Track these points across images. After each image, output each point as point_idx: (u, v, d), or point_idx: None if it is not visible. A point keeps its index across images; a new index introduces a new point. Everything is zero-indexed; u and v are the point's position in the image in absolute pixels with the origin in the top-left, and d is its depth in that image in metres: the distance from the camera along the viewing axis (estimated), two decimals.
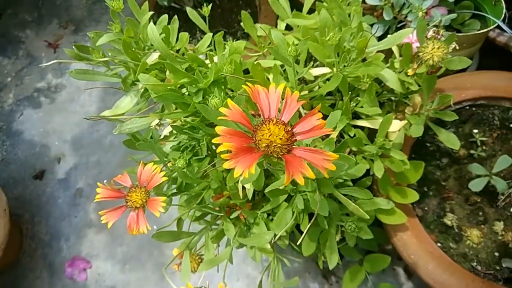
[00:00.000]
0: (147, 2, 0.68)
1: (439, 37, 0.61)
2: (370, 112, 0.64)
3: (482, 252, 0.85)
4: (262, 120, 0.35)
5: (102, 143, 1.44)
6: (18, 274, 1.28)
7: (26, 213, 1.37)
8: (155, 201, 0.53)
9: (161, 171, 0.57)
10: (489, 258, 0.84)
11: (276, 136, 0.34)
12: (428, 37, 0.58)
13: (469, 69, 1.13)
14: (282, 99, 0.36)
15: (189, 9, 0.77)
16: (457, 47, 0.67)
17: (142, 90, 0.76)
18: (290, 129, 0.35)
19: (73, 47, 0.75)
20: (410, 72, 0.59)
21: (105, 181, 0.55)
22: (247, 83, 0.36)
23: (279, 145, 0.34)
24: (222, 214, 0.69)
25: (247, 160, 0.32)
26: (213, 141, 0.33)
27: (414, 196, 0.74)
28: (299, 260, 0.72)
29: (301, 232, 0.76)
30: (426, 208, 0.90)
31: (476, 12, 1.00)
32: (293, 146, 0.35)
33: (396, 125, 0.65)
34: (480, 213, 0.88)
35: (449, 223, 0.87)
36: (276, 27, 0.92)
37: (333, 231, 0.66)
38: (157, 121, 0.63)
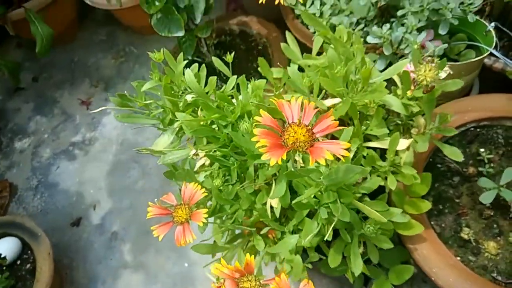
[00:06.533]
0: (181, 54, 0.80)
1: (433, 64, 0.70)
2: (379, 133, 0.73)
3: (501, 263, 0.89)
4: (288, 124, 0.45)
5: (134, 188, 1.54)
6: None
7: (65, 259, 1.45)
8: (198, 214, 0.61)
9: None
10: (508, 268, 0.88)
11: (300, 134, 0.43)
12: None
13: (472, 95, 1.22)
14: (301, 111, 0.46)
15: (214, 58, 0.89)
16: (451, 72, 0.76)
17: (177, 129, 0.86)
18: (310, 128, 0.44)
19: (116, 95, 0.87)
20: (409, 93, 0.68)
21: (155, 199, 0.64)
22: (274, 98, 0.45)
23: (302, 141, 0.43)
24: (254, 229, 0.77)
25: (279, 153, 0.41)
26: (253, 139, 0.42)
27: (426, 205, 0.81)
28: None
29: (326, 252, 0.82)
30: (443, 225, 0.95)
31: (470, 42, 1.10)
32: (314, 142, 0.44)
33: (404, 143, 0.73)
34: (495, 226, 0.93)
35: (466, 237, 0.92)
36: None
37: (355, 240, 0.73)
38: (194, 151, 0.73)
